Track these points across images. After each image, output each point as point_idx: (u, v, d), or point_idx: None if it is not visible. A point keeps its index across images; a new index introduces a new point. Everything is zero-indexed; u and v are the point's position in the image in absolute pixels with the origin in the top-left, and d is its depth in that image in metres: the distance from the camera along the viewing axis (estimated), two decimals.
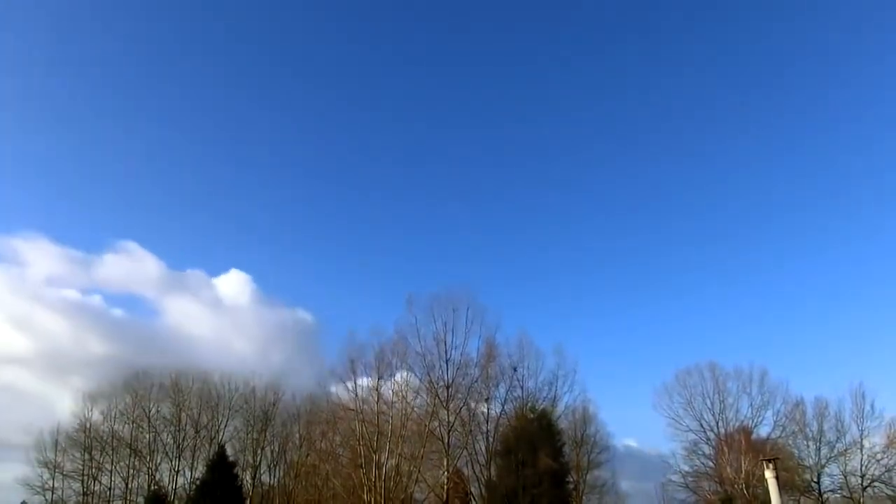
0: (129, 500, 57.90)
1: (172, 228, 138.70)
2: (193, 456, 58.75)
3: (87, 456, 58.40)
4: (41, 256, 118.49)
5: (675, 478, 59.95)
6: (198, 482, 51.37)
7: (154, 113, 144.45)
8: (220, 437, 58.82)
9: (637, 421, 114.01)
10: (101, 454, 59.04)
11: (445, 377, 46.08)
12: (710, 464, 58.71)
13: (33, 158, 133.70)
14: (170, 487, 56.63)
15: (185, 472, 58.10)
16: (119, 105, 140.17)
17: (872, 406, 54.69)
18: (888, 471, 53.27)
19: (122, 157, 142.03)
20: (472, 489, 49.58)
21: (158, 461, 58.59)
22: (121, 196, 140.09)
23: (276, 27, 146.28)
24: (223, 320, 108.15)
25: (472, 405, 48.31)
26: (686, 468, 60.08)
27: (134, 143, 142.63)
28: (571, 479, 52.69)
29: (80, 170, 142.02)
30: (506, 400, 51.59)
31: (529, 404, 51.45)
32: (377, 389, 43.74)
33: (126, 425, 59.85)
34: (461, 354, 47.01)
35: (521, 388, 52.12)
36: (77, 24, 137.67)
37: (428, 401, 45.73)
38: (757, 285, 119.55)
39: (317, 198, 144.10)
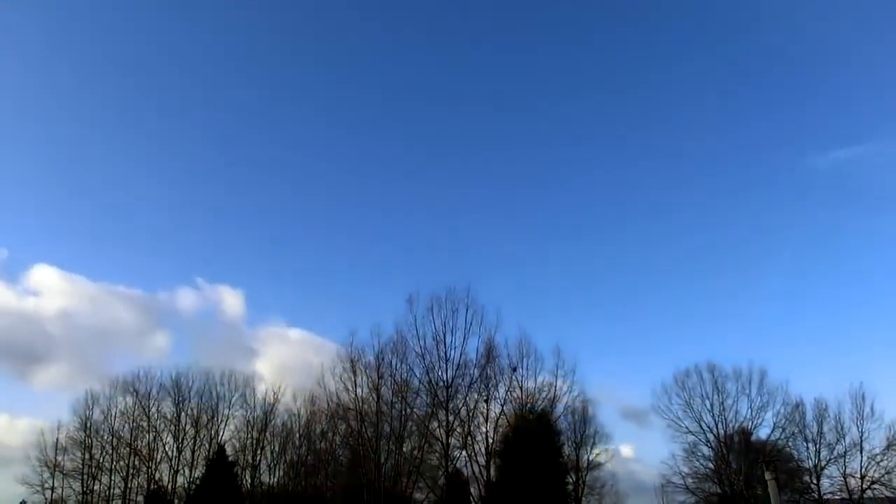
0: (129, 500, 57.96)
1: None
2: (193, 455, 58.77)
3: (87, 455, 58.43)
4: None
5: (674, 479, 59.91)
6: (198, 482, 51.58)
7: (154, 114, 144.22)
8: (220, 437, 58.90)
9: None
10: (101, 453, 59.10)
11: (445, 377, 46.28)
12: (710, 465, 58.71)
13: None
14: (169, 487, 56.68)
15: (184, 471, 58.13)
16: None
17: (872, 408, 54.46)
18: (888, 473, 53.12)
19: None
20: (472, 489, 49.62)
21: (158, 460, 58.63)
22: None
23: (278, 21, 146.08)
24: None
25: (472, 405, 48.39)
26: (686, 470, 60.04)
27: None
28: (571, 480, 52.74)
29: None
30: (505, 400, 51.62)
31: (529, 405, 51.49)
32: (377, 389, 43.85)
33: (126, 424, 59.92)
34: (461, 354, 47.22)
35: (521, 388, 52.10)
36: None
37: (427, 401, 45.86)
38: (756, 285, 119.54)
39: (316, 196, 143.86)
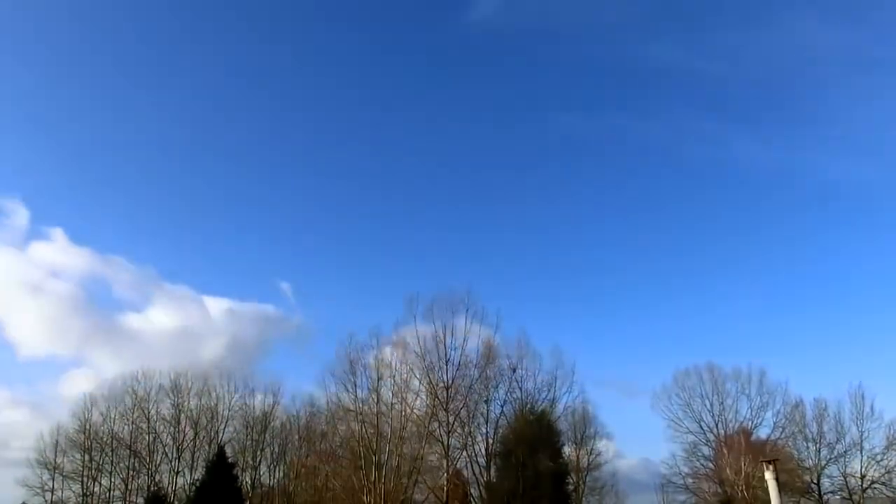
0: (129, 502, 57.91)
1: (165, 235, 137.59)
2: (193, 457, 58.75)
3: (86, 457, 58.41)
4: None
5: (674, 479, 59.97)
6: (197, 483, 51.43)
7: (153, 112, 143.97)
8: (220, 438, 58.82)
9: None
10: (100, 455, 59.05)
11: (445, 378, 46.24)
12: (710, 465, 58.78)
13: None
14: (169, 489, 56.60)
15: (184, 473, 58.10)
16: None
17: (872, 407, 54.76)
18: (888, 472, 53.27)
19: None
20: (472, 490, 49.64)
21: (158, 462, 58.58)
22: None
23: (288, 25, 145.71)
24: None
25: (472, 406, 48.38)
26: (686, 469, 60.15)
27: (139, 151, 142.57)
28: (571, 480, 52.73)
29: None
30: (505, 401, 51.74)
31: (529, 405, 51.54)
32: (377, 390, 43.86)
33: (126, 426, 59.90)
34: (460, 355, 47.19)
35: (521, 388, 52.21)
36: None
37: (427, 402, 45.84)
38: (755, 285, 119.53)
39: (317, 196, 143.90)
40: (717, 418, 59.71)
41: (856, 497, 53.47)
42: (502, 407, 51.41)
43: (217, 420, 60.55)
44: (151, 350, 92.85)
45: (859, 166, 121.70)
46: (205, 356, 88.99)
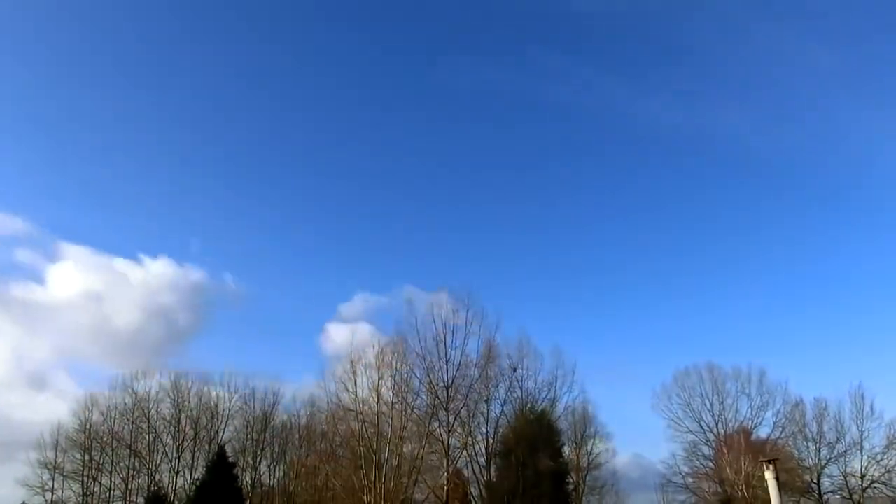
0: (129, 501, 57.91)
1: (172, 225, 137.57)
2: (193, 457, 58.75)
3: (86, 457, 58.39)
4: None
5: (674, 479, 59.99)
6: (198, 483, 51.47)
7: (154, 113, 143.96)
8: (220, 438, 58.84)
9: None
10: (100, 455, 59.04)
11: (445, 378, 46.22)
12: (710, 465, 58.80)
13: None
14: (170, 488, 56.61)
15: (184, 472, 58.09)
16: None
17: (872, 407, 54.88)
18: (888, 472, 53.33)
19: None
20: (472, 490, 49.66)
21: (158, 462, 58.58)
22: None
23: (288, 25, 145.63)
24: None
25: (472, 406, 48.41)
26: (686, 469, 60.18)
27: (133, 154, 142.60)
28: (571, 480, 52.80)
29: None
30: (505, 401, 51.81)
31: (529, 405, 51.61)
32: (377, 390, 43.79)
33: (126, 426, 59.87)
34: (461, 355, 47.20)
35: (521, 388, 52.31)
36: None
37: (428, 401, 45.86)
38: (755, 285, 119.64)
39: (317, 196, 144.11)
40: (717, 418, 59.84)
41: (856, 497, 53.51)
42: (502, 406, 51.53)
43: (217, 420, 60.61)
44: (56, 318, 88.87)
45: (860, 166, 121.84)
46: (120, 324, 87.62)
